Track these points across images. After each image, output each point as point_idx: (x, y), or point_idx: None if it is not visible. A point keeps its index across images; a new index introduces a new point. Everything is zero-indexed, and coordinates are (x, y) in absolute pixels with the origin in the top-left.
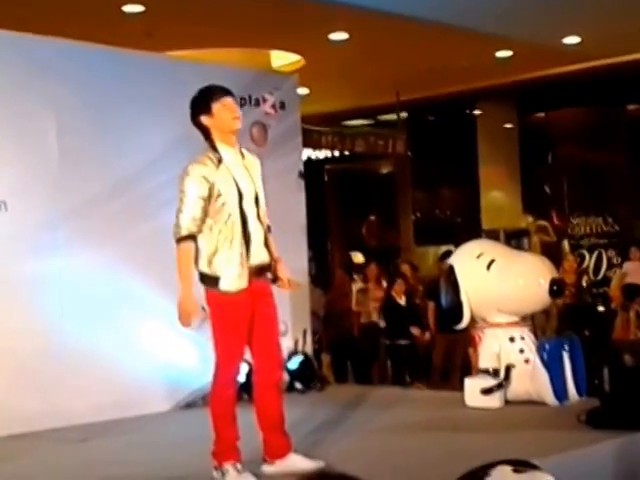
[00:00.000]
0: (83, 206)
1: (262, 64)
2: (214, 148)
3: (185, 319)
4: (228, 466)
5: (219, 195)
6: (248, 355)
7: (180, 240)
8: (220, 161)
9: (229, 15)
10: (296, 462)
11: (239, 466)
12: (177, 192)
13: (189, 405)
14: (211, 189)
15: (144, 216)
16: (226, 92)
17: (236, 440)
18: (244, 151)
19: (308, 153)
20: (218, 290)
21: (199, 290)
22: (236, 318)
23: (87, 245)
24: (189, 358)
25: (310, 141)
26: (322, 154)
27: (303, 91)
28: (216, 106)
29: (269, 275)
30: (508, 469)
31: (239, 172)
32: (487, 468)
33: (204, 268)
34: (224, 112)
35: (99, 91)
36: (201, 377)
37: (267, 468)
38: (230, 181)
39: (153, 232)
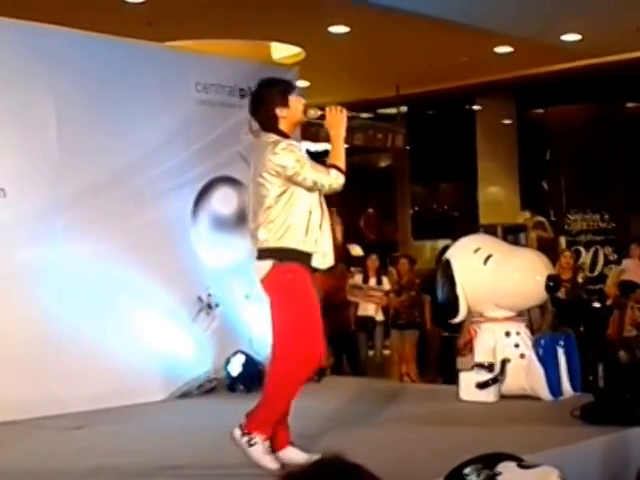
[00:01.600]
0: (82, 195)
1: (263, 56)
2: (284, 135)
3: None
4: (258, 438)
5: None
6: (243, 346)
7: (333, 174)
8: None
9: (230, 6)
10: (292, 455)
11: (267, 445)
12: (275, 171)
13: (184, 395)
14: (302, 152)
15: (143, 206)
16: (294, 85)
17: (280, 421)
18: None
19: (307, 145)
20: (304, 265)
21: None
22: (314, 295)
23: (85, 234)
24: (185, 348)
25: (309, 133)
26: (321, 147)
27: (303, 83)
28: (292, 98)
29: None
30: (513, 465)
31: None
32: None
33: (292, 244)
34: (298, 104)
35: (99, 80)
36: (196, 367)
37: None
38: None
39: (151, 222)
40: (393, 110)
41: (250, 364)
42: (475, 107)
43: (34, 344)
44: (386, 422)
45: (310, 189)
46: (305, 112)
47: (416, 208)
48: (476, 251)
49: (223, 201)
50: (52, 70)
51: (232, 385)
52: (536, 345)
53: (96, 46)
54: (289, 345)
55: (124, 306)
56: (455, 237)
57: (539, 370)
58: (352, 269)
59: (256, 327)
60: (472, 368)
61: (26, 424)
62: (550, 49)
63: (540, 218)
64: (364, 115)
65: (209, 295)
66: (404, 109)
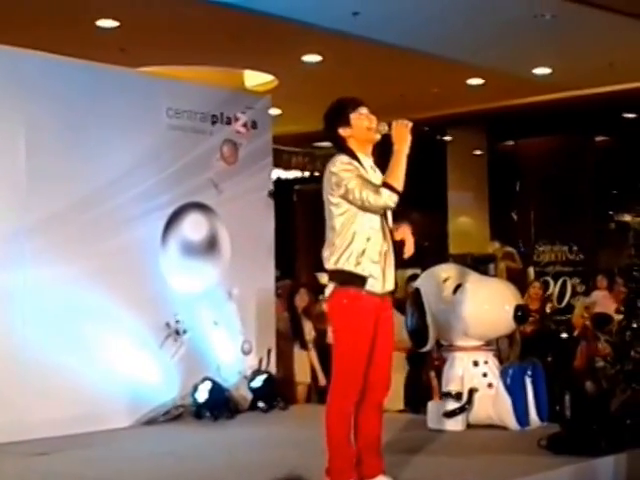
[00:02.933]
0: (50, 220)
1: (236, 83)
2: (352, 155)
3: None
4: None
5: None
6: (211, 373)
7: (384, 193)
8: (359, 162)
9: (204, 34)
10: None
11: None
12: (332, 188)
13: (150, 421)
14: (360, 171)
15: (112, 231)
16: (360, 102)
17: (354, 458)
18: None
19: (278, 173)
20: (360, 289)
21: None
22: (368, 323)
23: (53, 259)
24: (152, 374)
25: (281, 161)
26: (292, 174)
27: (275, 111)
28: (354, 116)
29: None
30: None
31: (375, 177)
32: None
33: (349, 267)
34: (361, 121)
35: (70, 105)
36: (163, 393)
37: None
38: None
39: (120, 247)
40: None
41: (217, 391)
42: (446, 138)
43: None
44: None
45: (361, 208)
46: (374, 128)
47: None
48: (445, 280)
49: (193, 227)
50: (22, 94)
51: (199, 412)
52: (504, 375)
53: (68, 70)
54: (336, 374)
55: (91, 331)
56: (425, 266)
57: (506, 400)
58: (320, 297)
59: (224, 354)
60: (440, 397)
61: None
62: (521, 82)
63: (509, 249)
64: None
65: (177, 321)
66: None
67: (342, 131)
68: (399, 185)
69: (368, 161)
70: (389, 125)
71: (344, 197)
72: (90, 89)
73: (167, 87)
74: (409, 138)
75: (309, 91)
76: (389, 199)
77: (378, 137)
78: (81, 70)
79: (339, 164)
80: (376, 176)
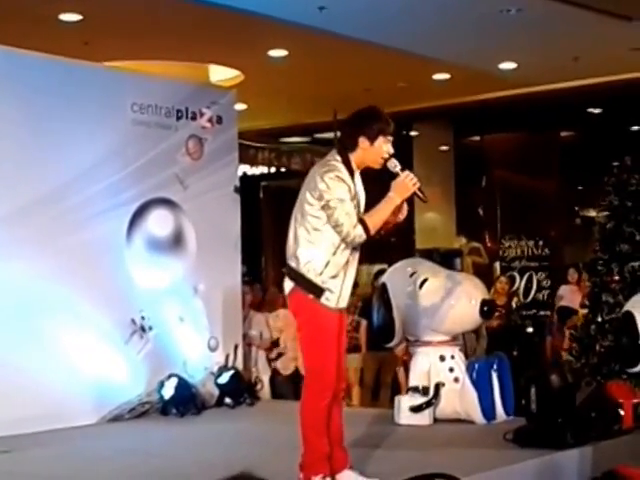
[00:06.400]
0: (13, 215)
1: (201, 78)
2: (349, 166)
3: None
4: (318, 479)
5: (354, 198)
6: (177, 369)
7: (357, 231)
8: (352, 176)
9: (169, 28)
10: (348, 478)
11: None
12: (315, 191)
13: (116, 418)
14: (350, 191)
15: (76, 226)
16: (395, 130)
17: (327, 452)
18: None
19: (244, 169)
20: (317, 301)
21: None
22: (334, 317)
23: (15, 255)
24: (117, 371)
25: (247, 157)
26: (258, 170)
27: (241, 106)
28: (382, 138)
29: None
30: None
31: (360, 196)
32: None
33: (309, 275)
34: (382, 149)
35: (34, 99)
36: (129, 390)
37: None
38: (358, 195)
39: (85, 243)
40: (331, 135)
41: (183, 387)
42: (412, 133)
43: None
44: None
45: (333, 228)
46: (388, 160)
47: None
48: (412, 275)
49: (158, 223)
50: None
51: (165, 408)
52: (470, 369)
53: (31, 64)
54: (307, 370)
55: (55, 327)
56: (391, 262)
57: (473, 394)
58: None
59: (190, 350)
60: (407, 391)
61: None
62: (487, 77)
63: (475, 244)
64: (302, 139)
65: (143, 318)
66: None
67: (362, 141)
68: (373, 229)
69: (358, 176)
70: (401, 170)
71: (322, 208)
72: (54, 84)
73: (132, 82)
74: (407, 194)
75: (275, 86)
76: (359, 238)
77: (380, 165)
78: (44, 65)
79: (333, 176)
80: (361, 193)
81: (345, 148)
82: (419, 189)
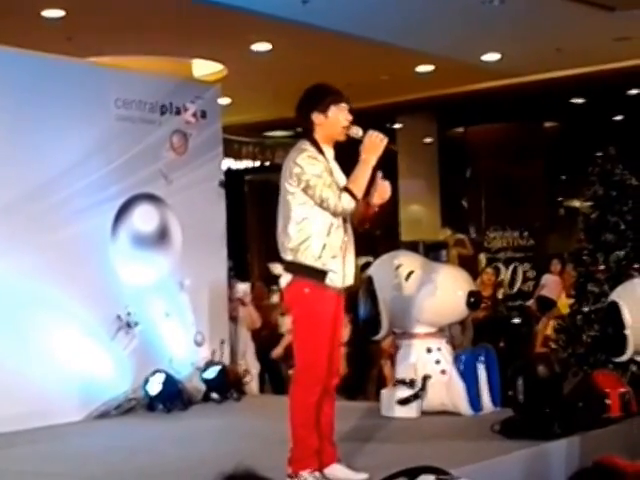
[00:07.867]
0: None
1: (184, 73)
2: (316, 145)
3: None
4: (306, 474)
5: (331, 174)
6: (163, 365)
7: (345, 198)
8: (323, 153)
9: (152, 23)
10: (337, 472)
11: (318, 475)
12: (292, 178)
13: (102, 415)
14: (325, 168)
15: (61, 222)
16: (345, 96)
17: (316, 447)
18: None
19: (228, 163)
20: (321, 284)
21: None
22: (330, 311)
23: (0, 250)
24: (103, 367)
25: (231, 151)
26: (242, 165)
27: (225, 101)
28: (334, 107)
29: None
30: (432, 478)
31: (337, 172)
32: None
33: (308, 261)
34: (339, 117)
35: (16, 95)
36: (115, 386)
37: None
38: (334, 171)
39: (70, 239)
40: None
41: (170, 383)
42: (396, 126)
43: None
44: None
45: (319, 206)
46: (348, 128)
47: None
48: (398, 268)
49: (143, 218)
50: None
51: (151, 405)
52: (457, 361)
53: (13, 61)
54: (297, 364)
55: (40, 324)
56: (377, 254)
57: (460, 386)
58: (273, 287)
59: (176, 346)
60: (394, 384)
61: None
62: (470, 68)
63: (460, 235)
64: (286, 133)
65: (128, 314)
66: None
67: (315, 117)
68: (359, 193)
69: (330, 152)
70: (364, 132)
71: (304, 191)
72: (37, 80)
73: (115, 77)
74: (379, 152)
75: (259, 80)
76: (348, 205)
77: (344, 135)
78: (28, 60)
79: (305, 156)
80: (337, 169)
81: (305, 134)
82: (388, 142)
